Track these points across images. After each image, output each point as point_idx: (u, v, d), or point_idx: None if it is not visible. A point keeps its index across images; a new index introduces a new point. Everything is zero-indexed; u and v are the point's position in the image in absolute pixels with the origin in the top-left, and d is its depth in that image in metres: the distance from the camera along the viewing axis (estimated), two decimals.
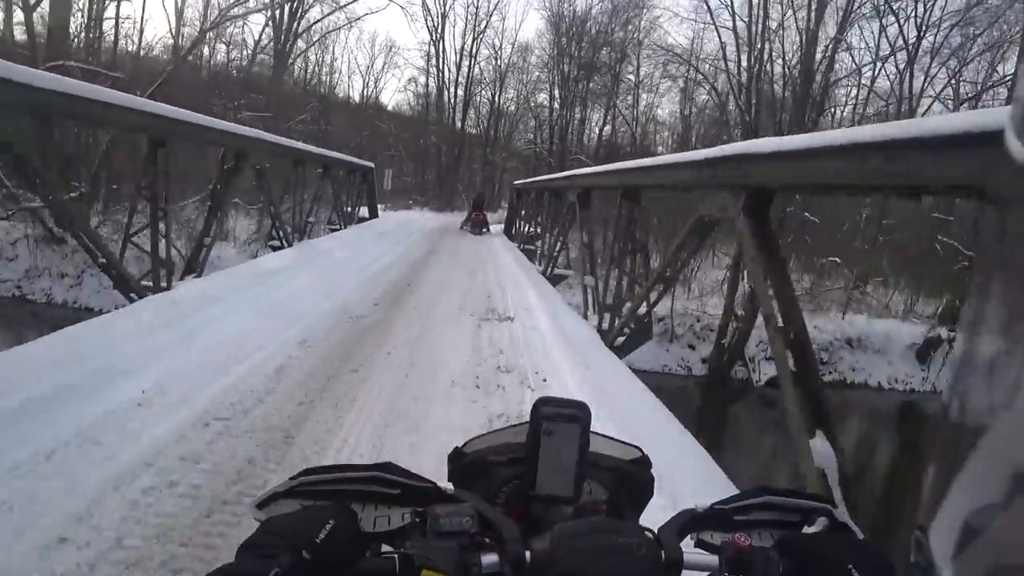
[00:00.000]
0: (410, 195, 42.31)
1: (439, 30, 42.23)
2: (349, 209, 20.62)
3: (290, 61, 37.00)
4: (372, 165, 22.11)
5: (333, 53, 44.35)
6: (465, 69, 43.02)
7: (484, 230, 22.27)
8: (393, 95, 61.93)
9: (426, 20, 42.19)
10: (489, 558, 0.68)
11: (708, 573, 0.72)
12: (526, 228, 21.10)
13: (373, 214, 23.06)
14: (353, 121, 41.30)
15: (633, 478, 0.97)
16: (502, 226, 26.09)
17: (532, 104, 43.29)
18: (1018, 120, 0.33)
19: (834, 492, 3.71)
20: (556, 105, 41.15)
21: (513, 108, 45.35)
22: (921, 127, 3.02)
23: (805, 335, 4.38)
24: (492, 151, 45.53)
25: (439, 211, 38.50)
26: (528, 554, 0.69)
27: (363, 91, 47.28)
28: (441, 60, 42.75)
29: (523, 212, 21.94)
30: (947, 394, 0.34)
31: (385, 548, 0.72)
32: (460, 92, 43.57)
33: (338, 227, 18.68)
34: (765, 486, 0.82)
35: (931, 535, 0.32)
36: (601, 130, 42.01)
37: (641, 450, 1.00)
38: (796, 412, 4.02)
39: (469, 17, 42.14)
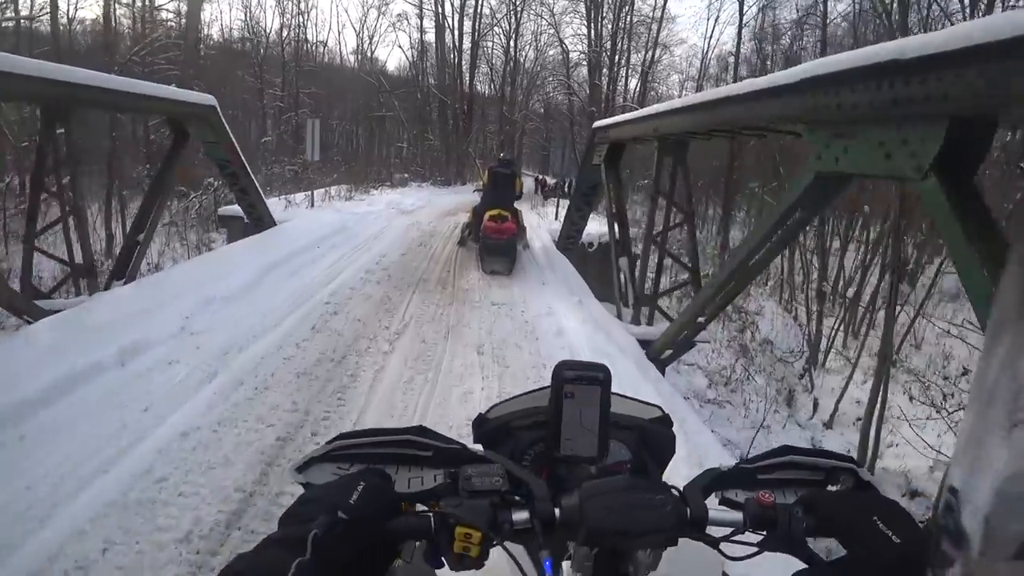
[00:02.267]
0: (408, 167, 27.59)
1: None
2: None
3: None
4: (212, 102, 5.91)
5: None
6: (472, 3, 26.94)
7: (521, 247, 6.48)
8: (391, 51, 45.73)
9: None
10: (520, 515, 0.60)
11: (733, 528, 0.63)
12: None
13: (259, 222, 7.38)
14: (346, 83, 30.53)
15: (655, 436, 0.85)
16: (541, 228, 9.98)
17: (561, 37, 27.15)
18: None
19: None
20: (592, 33, 24.90)
21: (532, 55, 29.64)
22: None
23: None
24: (510, 109, 29.73)
25: (443, 186, 23.93)
26: (557, 511, 0.60)
27: (358, 46, 32.00)
28: None
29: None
30: (985, 354, 0.28)
31: (420, 507, 0.62)
32: (467, 29, 27.40)
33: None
34: (789, 446, 0.71)
35: (962, 499, 0.28)
36: (645, 71, 25.89)
37: (662, 409, 0.89)
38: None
39: None
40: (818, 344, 10.17)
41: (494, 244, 6.67)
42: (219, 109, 7.47)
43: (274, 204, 11.13)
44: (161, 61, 21.84)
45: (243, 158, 8.18)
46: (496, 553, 0.58)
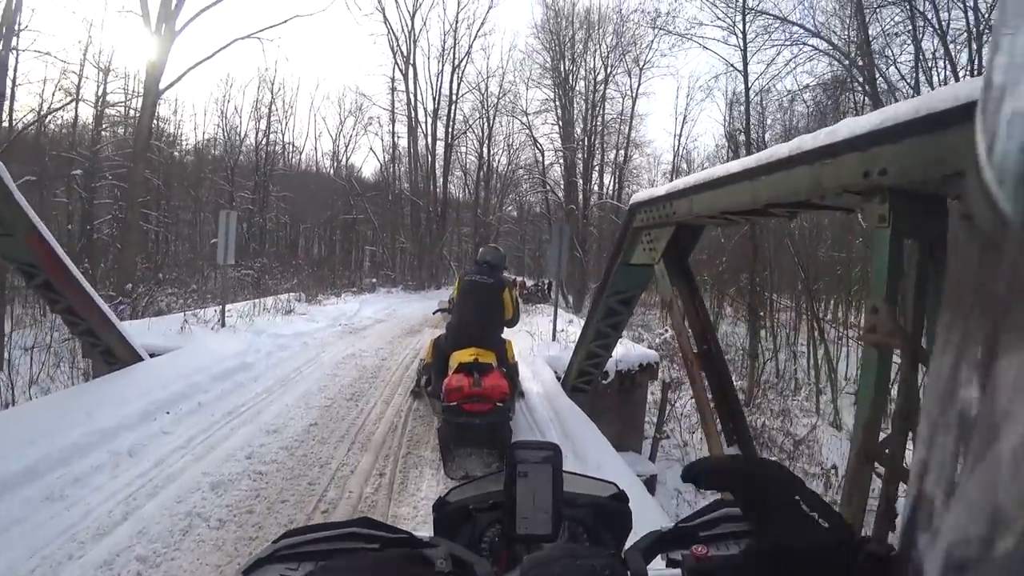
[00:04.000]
0: (378, 271, 24.90)
1: (408, 53, 24.50)
2: None
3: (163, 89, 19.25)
4: None
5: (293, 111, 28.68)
6: (445, 109, 25.55)
7: (515, 403, 3.74)
8: (366, 156, 44.50)
9: (390, 43, 24.49)
10: None
11: None
12: None
13: (108, 357, 5.11)
14: (321, 187, 28.30)
15: (611, 513, 0.82)
16: (536, 356, 6.33)
17: (535, 136, 25.58)
18: (990, 113, 0.21)
19: None
20: (565, 133, 23.25)
21: (505, 160, 28.06)
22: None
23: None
24: (484, 212, 27.80)
25: (415, 291, 20.92)
26: None
27: (334, 152, 30.23)
28: (414, 98, 25.07)
29: None
30: (931, 385, 0.26)
31: None
32: (440, 135, 25.75)
33: None
34: (722, 499, 0.70)
35: (920, 530, 0.25)
36: (619, 168, 24.52)
37: (617, 486, 0.84)
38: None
39: (446, 51, 24.99)
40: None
41: (468, 426, 3.23)
42: (7, 179, 4.19)
43: (169, 323, 7.65)
44: (116, 157, 19.23)
45: (65, 261, 4.82)
46: None
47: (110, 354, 5.57)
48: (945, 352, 0.24)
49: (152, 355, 5.95)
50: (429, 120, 26.18)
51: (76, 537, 2.66)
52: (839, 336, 11.89)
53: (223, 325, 7.95)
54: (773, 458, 7.69)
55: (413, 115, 25.92)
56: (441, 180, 27.31)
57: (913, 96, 10.32)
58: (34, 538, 2.63)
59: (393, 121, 26.94)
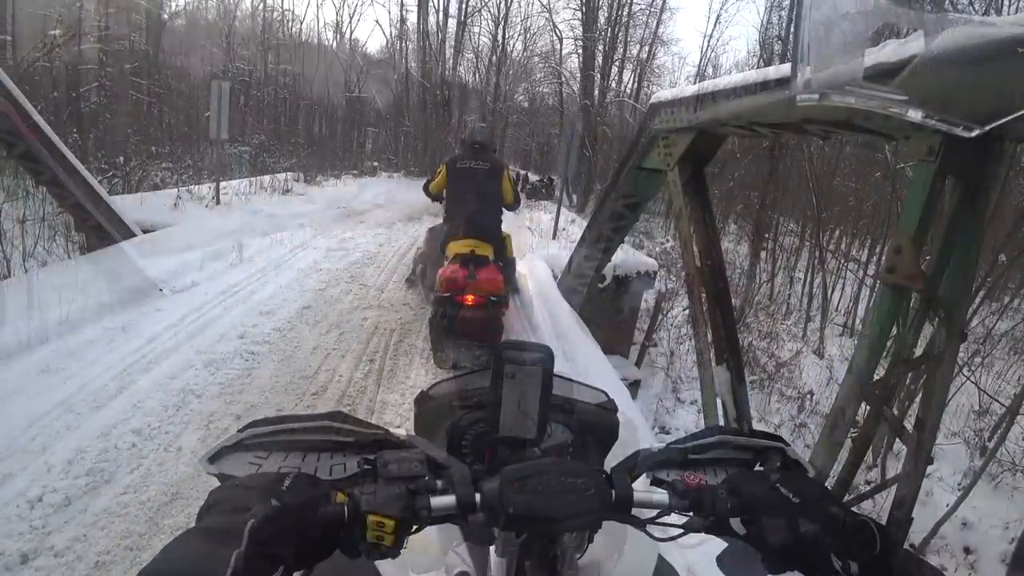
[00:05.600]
0: (380, 155, 24.19)
1: None
2: None
3: None
4: None
5: None
6: None
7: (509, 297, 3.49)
8: (372, 31, 41.44)
9: None
10: (439, 500, 0.53)
11: (659, 510, 0.58)
12: None
13: (99, 233, 5.59)
14: (323, 61, 25.70)
15: (598, 421, 0.80)
16: (534, 254, 6.30)
17: (554, 22, 23.78)
18: None
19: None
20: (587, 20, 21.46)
21: (520, 46, 26.02)
22: None
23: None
24: (495, 100, 26.44)
25: (417, 177, 20.40)
26: (478, 496, 0.54)
27: (336, 24, 28.10)
28: None
29: None
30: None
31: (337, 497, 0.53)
32: (452, 12, 23.79)
33: None
34: (721, 426, 0.71)
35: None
36: (641, 66, 23.01)
37: (606, 393, 0.83)
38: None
39: None
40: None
41: (460, 318, 3.17)
42: None
43: (162, 198, 7.48)
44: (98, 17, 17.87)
45: (44, 128, 4.57)
46: (422, 537, 0.53)
47: (101, 229, 5.48)
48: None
49: (145, 231, 5.87)
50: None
51: (73, 408, 2.73)
52: (838, 267, 11.76)
53: (218, 203, 7.79)
54: (754, 377, 7.88)
55: None
56: (451, 60, 25.63)
57: (985, 12, 9.19)
58: (32, 408, 2.69)
59: None
